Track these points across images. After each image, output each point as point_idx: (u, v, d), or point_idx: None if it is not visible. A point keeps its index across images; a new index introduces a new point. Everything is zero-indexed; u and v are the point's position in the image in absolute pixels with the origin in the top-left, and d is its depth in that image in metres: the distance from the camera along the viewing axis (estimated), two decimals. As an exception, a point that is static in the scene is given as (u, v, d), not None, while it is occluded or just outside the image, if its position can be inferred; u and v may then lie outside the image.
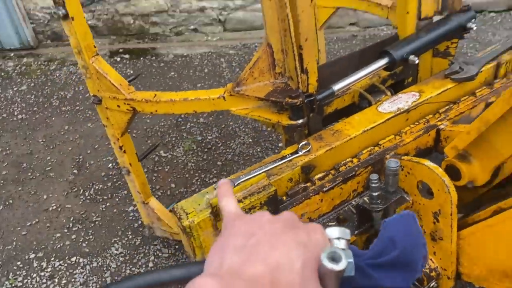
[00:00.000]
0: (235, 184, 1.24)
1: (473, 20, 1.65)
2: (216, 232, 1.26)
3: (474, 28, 1.65)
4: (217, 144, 2.94)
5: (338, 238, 0.52)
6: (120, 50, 4.46)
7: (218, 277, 0.45)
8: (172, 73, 3.96)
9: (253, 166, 1.34)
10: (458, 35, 1.67)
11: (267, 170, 1.30)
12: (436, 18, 1.69)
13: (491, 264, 1.29)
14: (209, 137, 3.01)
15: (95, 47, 1.60)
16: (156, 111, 1.56)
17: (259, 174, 1.27)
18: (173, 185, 2.63)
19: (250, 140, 2.93)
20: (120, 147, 1.81)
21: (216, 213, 1.23)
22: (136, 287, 0.65)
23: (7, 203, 2.65)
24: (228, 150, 2.88)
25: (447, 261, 1.37)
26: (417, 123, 1.48)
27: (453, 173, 1.29)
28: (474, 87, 1.60)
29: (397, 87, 1.71)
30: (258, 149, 2.82)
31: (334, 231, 0.52)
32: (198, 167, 2.74)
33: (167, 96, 1.52)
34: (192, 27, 4.59)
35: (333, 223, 1.38)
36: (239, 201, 1.20)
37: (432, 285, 1.42)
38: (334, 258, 0.46)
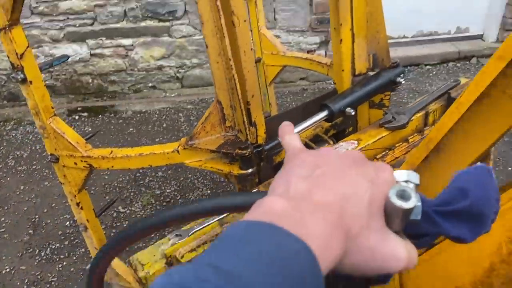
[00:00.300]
0: (189, 234, 1.31)
1: (401, 75, 1.85)
2: (172, 281, 1.31)
3: (403, 82, 1.84)
4: (175, 197, 2.98)
5: (406, 181, 0.49)
6: (79, 109, 4.50)
7: (286, 197, 0.44)
8: (131, 129, 4.03)
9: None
10: (389, 89, 1.87)
11: (220, 219, 1.38)
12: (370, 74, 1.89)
13: (431, 298, 1.40)
14: (167, 191, 3.05)
15: (52, 108, 1.67)
16: (113, 166, 1.62)
17: (212, 223, 1.34)
18: (132, 241, 2.63)
19: (209, 191, 3.00)
20: (77, 204, 1.83)
21: (171, 263, 1.28)
22: (197, 211, 0.64)
23: (-44, 269, 2.55)
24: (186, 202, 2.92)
25: (392, 296, 1.46)
26: (357, 169, 1.62)
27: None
28: (406, 134, 1.77)
29: (339, 136, 1.86)
30: (217, 200, 2.87)
31: (402, 174, 0.50)
32: (157, 221, 2.76)
33: (123, 152, 1.59)
34: (150, 84, 4.72)
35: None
36: (193, 250, 1.26)
37: (381, 321, 1.49)
38: (403, 196, 0.45)
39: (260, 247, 0.37)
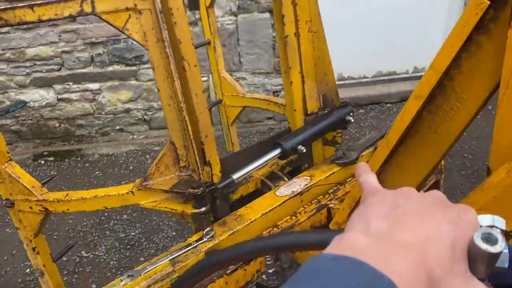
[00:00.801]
0: (141, 274, 1.32)
1: (350, 113, 1.95)
2: (123, 323, 1.30)
3: (352, 120, 1.94)
4: (140, 240, 2.96)
5: (492, 226, 0.46)
6: (45, 153, 4.46)
7: (367, 234, 0.43)
8: (97, 172, 4.00)
9: (160, 255, 1.42)
10: (340, 126, 1.96)
11: (173, 258, 1.40)
12: (321, 113, 1.98)
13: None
14: (132, 233, 3.03)
15: (8, 153, 1.67)
16: (68, 209, 1.62)
17: (164, 262, 1.36)
18: (94, 286, 2.57)
19: (174, 233, 2.98)
20: (33, 249, 1.81)
21: (123, 304, 1.28)
22: (271, 247, 0.63)
23: None
24: (151, 245, 2.90)
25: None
26: (310, 204, 1.68)
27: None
28: (357, 169, 1.86)
29: (295, 173, 1.92)
30: (182, 241, 2.86)
31: (486, 218, 0.47)
32: (120, 265, 2.72)
33: (78, 195, 1.60)
34: (118, 127, 4.74)
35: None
36: (144, 289, 1.27)
37: None
38: (489, 240, 0.42)
39: (349, 283, 0.36)
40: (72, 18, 4.23)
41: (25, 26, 4.23)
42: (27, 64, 4.40)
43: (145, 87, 4.59)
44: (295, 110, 1.88)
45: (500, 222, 0.46)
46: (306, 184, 1.70)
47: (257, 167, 1.72)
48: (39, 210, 1.67)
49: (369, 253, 0.40)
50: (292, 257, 1.41)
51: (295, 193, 1.65)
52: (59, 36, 4.32)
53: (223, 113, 2.64)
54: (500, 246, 0.41)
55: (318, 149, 2.01)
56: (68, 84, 4.49)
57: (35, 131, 4.65)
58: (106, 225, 3.12)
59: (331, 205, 1.66)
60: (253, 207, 1.62)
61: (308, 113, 1.92)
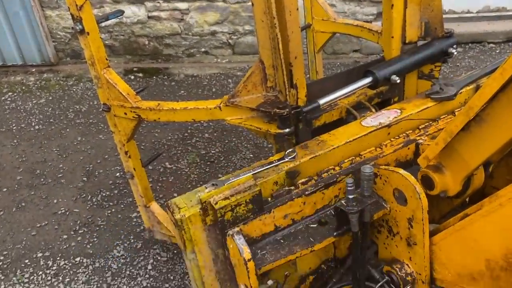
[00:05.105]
0: (224, 184, 1.37)
1: (454, 46, 1.78)
2: (205, 227, 1.39)
3: (455, 53, 1.78)
4: (219, 158, 3.08)
5: None
6: (135, 69, 4.69)
7: None
8: (182, 92, 4.15)
9: (242, 169, 1.47)
10: (440, 59, 1.81)
11: (255, 173, 1.43)
12: (421, 43, 1.83)
13: (460, 269, 1.38)
14: (212, 151, 3.16)
15: (107, 59, 1.76)
16: (159, 118, 1.71)
17: (247, 175, 1.40)
18: (175, 195, 2.76)
19: (251, 155, 3.07)
20: (126, 152, 1.95)
21: (205, 209, 1.35)
22: None
23: (19, 206, 2.80)
24: (229, 164, 3.01)
25: (421, 266, 1.47)
26: (397, 137, 1.61)
27: (428, 183, 1.40)
28: (453, 107, 1.72)
29: (383, 106, 1.84)
30: (259, 164, 2.95)
31: None
32: (200, 179, 2.88)
33: (169, 105, 1.67)
34: (203, 49, 4.81)
35: (315, 225, 1.49)
36: (226, 198, 1.32)
37: (407, 288, 1.51)
38: None
39: None
40: None
41: None
42: (122, -21, 4.51)
43: (231, 10, 4.54)
44: (392, 37, 1.75)
45: None
46: (395, 117, 1.62)
47: (344, 94, 1.67)
48: (133, 117, 1.78)
49: None
50: (374, 187, 1.38)
51: (383, 125, 1.58)
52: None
53: (311, 39, 2.54)
54: None
55: (412, 82, 1.88)
56: (158, 2, 4.56)
57: (126, 47, 4.87)
58: (188, 141, 3.29)
59: (421, 141, 1.58)
60: (337, 134, 1.59)
61: (406, 41, 1.78)
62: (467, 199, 1.65)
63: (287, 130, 1.51)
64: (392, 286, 1.54)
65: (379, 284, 1.51)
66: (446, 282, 1.47)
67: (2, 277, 2.33)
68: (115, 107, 1.80)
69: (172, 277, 2.23)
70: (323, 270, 1.67)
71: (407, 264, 1.52)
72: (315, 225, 1.49)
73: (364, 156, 1.54)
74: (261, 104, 1.55)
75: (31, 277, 2.30)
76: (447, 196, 1.43)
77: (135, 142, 1.94)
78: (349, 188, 1.31)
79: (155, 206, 2.11)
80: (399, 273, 1.51)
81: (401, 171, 1.39)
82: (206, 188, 1.37)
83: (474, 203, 1.46)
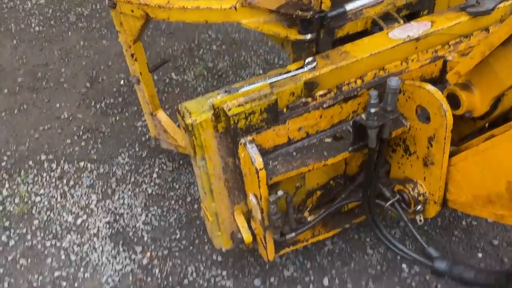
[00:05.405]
0: (238, 91, 1.29)
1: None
2: (216, 134, 1.33)
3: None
4: (227, 72, 2.96)
5: None
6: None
7: None
8: None
9: (257, 77, 1.37)
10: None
11: (271, 82, 1.34)
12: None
13: (477, 190, 1.35)
14: (220, 65, 3.03)
15: None
16: (168, 18, 1.58)
17: (262, 83, 1.31)
18: (181, 106, 2.69)
19: (261, 71, 2.94)
20: (132, 55, 1.84)
21: (217, 115, 1.28)
22: None
23: (21, 108, 2.74)
24: (238, 79, 2.90)
25: (436, 186, 1.43)
26: (425, 52, 1.49)
27: (453, 102, 1.32)
28: (488, 23, 1.58)
29: (412, 18, 1.69)
30: (268, 80, 2.84)
31: None
32: (207, 92, 2.79)
33: (180, 3, 1.53)
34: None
35: (329, 140, 1.43)
36: (240, 105, 1.25)
37: (418, 208, 1.49)
38: None
39: None
40: None
41: None
42: None
43: None
44: None
45: None
46: (425, 30, 1.49)
47: (373, 1, 1.53)
48: (140, 15, 1.64)
49: None
50: (397, 101, 1.30)
51: (411, 38, 1.46)
52: None
53: None
54: None
55: (445, -6, 1.73)
56: None
57: None
58: (195, 53, 3.14)
59: (449, 58, 1.47)
60: (361, 45, 1.48)
61: None
62: (486, 125, 1.59)
63: (308, 36, 1.40)
64: (403, 204, 1.52)
65: (389, 202, 1.49)
66: (458, 203, 1.45)
67: (7, 177, 2.33)
68: (121, 3, 1.66)
69: (177, 186, 2.23)
70: (331, 186, 1.65)
71: (420, 184, 1.49)
72: (329, 140, 1.43)
73: (388, 70, 1.44)
74: (282, 5, 1.41)
75: (35, 178, 2.30)
76: (471, 117, 1.36)
77: (141, 45, 1.82)
78: (372, 102, 1.23)
79: (161, 114, 2.05)
80: (411, 192, 1.48)
81: (428, 86, 1.30)
82: (219, 94, 1.29)
83: (494, 128, 1.39)
